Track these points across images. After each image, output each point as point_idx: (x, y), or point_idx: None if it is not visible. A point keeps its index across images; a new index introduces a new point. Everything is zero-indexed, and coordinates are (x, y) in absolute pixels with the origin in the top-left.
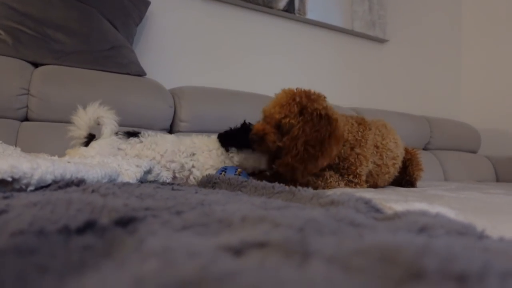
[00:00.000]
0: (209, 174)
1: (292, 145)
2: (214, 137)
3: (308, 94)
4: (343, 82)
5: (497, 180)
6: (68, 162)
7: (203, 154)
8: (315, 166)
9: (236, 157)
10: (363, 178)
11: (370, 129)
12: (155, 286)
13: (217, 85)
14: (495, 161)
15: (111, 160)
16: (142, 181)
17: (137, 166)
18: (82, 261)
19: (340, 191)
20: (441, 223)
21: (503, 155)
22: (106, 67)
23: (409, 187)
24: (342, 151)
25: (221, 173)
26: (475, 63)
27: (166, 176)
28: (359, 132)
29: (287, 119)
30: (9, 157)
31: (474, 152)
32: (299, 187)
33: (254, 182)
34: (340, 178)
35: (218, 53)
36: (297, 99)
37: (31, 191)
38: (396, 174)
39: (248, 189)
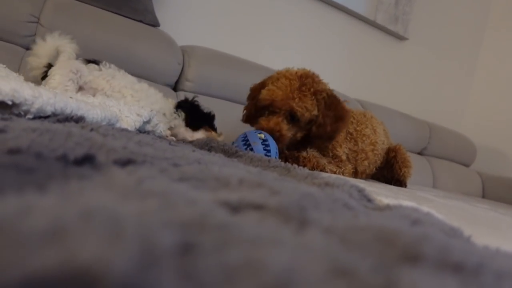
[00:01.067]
0: (208, 137)
1: (322, 132)
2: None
3: (312, 77)
4: (352, 71)
5: (483, 196)
6: (71, 97)
7: (147, 100)
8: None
9: (177, 121)
10: (344, 157)
11: None
12: (158, 222)
13: (229, 50)
14: (485, 178)
15: (112, 104)
16: (140, 130)
17: (138, 114)
18: (80, 187)
19: (334, 176)
20: (432, 221)
21: (494, 173)
22: (120, 10)
23: (398, 185)
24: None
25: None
26: (488, 77)
27: (163, 128)
28: None
29: (308, 113)
30: (12, 81)
31: (467, 165)
32: (294, 165)
33: (250, 153)
34: (321, 157)
35: (235, 20)
36: (309, 87)
37: (29, 119)
38: (379, 163)
39: (244, 159)
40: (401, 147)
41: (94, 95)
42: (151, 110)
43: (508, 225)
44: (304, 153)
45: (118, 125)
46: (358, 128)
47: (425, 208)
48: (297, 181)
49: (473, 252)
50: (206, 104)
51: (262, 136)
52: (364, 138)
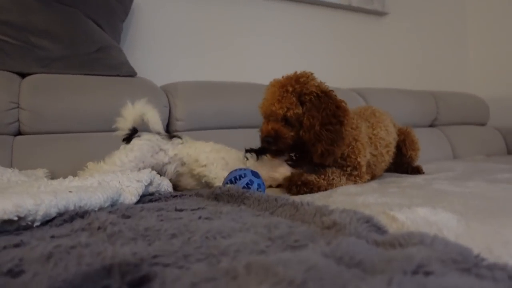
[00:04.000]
0: (213, 188)
1: (312, 135)
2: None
3: (297, 79)
4: (341, 61)
5: (508, 151)
6: (70, 191)
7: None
8: (342, 138)
9: (250, 163)
10: (364, 169)
11: (361, 119)
12: None
13: (211, 77)
14: (505, 132)
15: (110, 178)
16: (144, 193)
17: (138, 180)
18: None
19: (342, 207)
20: (437, 254)
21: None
22: (95, 71)
23: (415, 173)
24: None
25: (238, 177)
26: (482, 30)
27: (167, 185)
28: (353, 120)
29: (291, 111)
30: (12, 194)
31: (483, 124)
32: (305, 202)
33: (256, 194)
34: (341, 173)
35: (209, 42)
36: (290, 89)
37: (38, 226)
38: (391, 160)
39: (251, 201)
40: (410, 130)
41: (182, 164)
42: (150, 171)
43: None
44: (314, 177)
45: (121, 199)
46: (374, 132)
47: (438, 215)
48: (306, 224)
49: None
50: (203, 138)
51: (241, 174)
52: (381, 141)
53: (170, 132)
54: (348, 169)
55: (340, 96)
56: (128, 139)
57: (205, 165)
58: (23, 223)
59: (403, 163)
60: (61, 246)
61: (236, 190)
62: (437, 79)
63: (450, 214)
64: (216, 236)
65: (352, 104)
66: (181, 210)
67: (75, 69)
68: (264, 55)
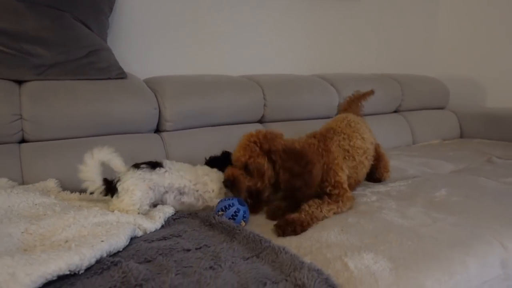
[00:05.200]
0: (208, 213)
1: (289, 187)
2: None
3: (265, 135)
4: (310, 47)
5: (461, 135)
6: (102, 241)
7: (212, 173)
8: (313, 183)
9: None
10: (345, 185)
11: (331, 138)
12: None
13: (195, 69)
14: (460, 116)
15: (126, 218)
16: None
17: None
18: None
19: (309, 262)
20: None
21: (472, 107)
22: (87, 75)
23: (377, 181)
24: None
25: (227, 206)
26: (453, 12)
27: (169, 212)
28: (320, 149)
29: (252, 159)
30: (61, 252)
31: (442, 108)
32: (282, 248)
33: (246, 232)
34: (319, 202)
35: (193, 33)
36: (256, 140)
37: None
38: (371, 161)
39: (242, 237)
40: (381, 150)
41: (181, 192)
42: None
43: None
44: (294, 215)
45: (137, 233)
46: (351, 143)
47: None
48: (284, 273)
49: None
50: (189, 137)
51: (230, 203)
52: (358, 151)
53: (160, 130)
54: (328, 189)
55: (305, 82)
56: (111, 190)
57: (212, 190)
58: (72, 273)
59: (373, 174)
60: None
61: (228, 224)
62: (405, 62)
63: (386, 263)
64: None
65: (318, 91)
66: (188, 250)
67: (69, 75)
68: (241, 46)
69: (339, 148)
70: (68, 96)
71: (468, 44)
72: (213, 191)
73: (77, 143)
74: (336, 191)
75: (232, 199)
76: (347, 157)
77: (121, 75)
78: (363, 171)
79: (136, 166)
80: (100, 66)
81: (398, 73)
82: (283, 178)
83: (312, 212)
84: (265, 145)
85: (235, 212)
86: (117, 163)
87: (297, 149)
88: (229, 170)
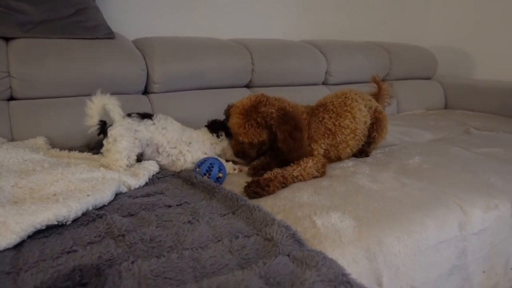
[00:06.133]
0: (190, 172)
1: (285, 145)
2: (206, 132)
3: (256, 109)
4: (301, 13)
5: (446, 105)
6: (88, 195)
7: (197, 144)
8: (304, 143)
9: (224, 142)
10: (316, 153)
11: (317, 115)
12: None
13: (185, 31)
14: (446, 86)
15: (111, 174)
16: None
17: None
18: None
19: (279, 218)
20: (321, 277)
21: (459, 78)
22: (75, 34)
23: (362, 156)
24: None
25: (205, 172)
26: None
27: (153, 170)
28: (306, 120)
29: (255, 140)
30: (49, 204)
31: (429, 78)
32: (256, 206)
33: (224, 191)
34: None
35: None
36: (252, 121)
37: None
38: (362, 142)
39: (220, 195)
40: (383, 117)
41: (157, 150)
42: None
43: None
44: (268, 175)
45: (121, 189)
46: (336, 122)
47: (343, 222)
48: (257, 228)
49: None
50: (177, 100)
51: (220, 174)
52: (343, 130)
53: (148, 92)
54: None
55: (294, 48)
56: (102, 132)
57: (184, 160)
58: (60, 223)
59: (365, 142)
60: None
61: (209, 183)
62: (396, 31)
63: (351, 221)
64: (198, 248)
65: (307, 57)
66: (169, 206)
67: (56, 33)
68: (227, 7)
69: (320, 125)
70: (56, 54)
71: (461, 15)
72: (184, 161)
73: (65, 102)
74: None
75: (212, 158)
76: (326, 135)
77: (109, 35)
78: (347, 150)
79: (129, 115)
80: (88, 25)
81: (388, 41)
82: (281, 139)
83: (282, 176)
84: (260, 119)
85: (210, 165)
86: (115, 115)
87: (289, 111)
88: (236, 144)
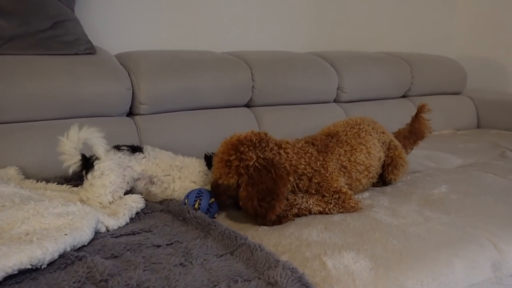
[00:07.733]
0: (181, 205)
1: (248, 207)
2: (198, 159)
3: (237, 148)
4: (307, 20)
5: (478, 124)
6: (65, 234)
7: (187, 170)
8: (274, 212)
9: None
10: (344, 189)
11: (332, 152)
12: None
13: (170, 43)
14: (477, 103)
15: (89, 210)
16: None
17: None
18: None
19: (284, 260)
20: None
21: (492, 93)
22: (51, 50)
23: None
24: (300, 184)
25: (196, 198)
26: None
27: (137, 207)
28: (318, 162)
29: (221, 180)
30: (22, 245)
31: (458, 93)
32: (258, 245)
33: (221, 227)
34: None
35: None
36: (227, 157)
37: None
38: (375, 180)
39: (217, 233)
40: (398, 153)
41: (151, 181)
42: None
43: None
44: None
45: (100, 227)
46: (352, 158)
47: (357, 264)
48: (258, 271)
49: None
50: (167, 122)
51: (212, 200)
52: (358, 167)
53: (134, 114)
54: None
55: (300, 61)
56: (86, 167)
57: (173, 189)
58: (34, 267)
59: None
60: None
61: (203, 219)
62: (417, 40)
63: (367, 262)
64: None
65: (315, 71)
66: (158, 246)
67: (30, 49)
68: (221, 16)
69: (337, 164)
70: (30, 73)
71: (490, 22)
72: (173, 190)
73: (39, 126)
74: (336, 196)
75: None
76: (342, 173)
77: (90, 50)
78: (359, 188)
79: (117, 147)
80: (66, 40)
81: (408, 52)
82: (244, 197)
83: (295, 199)
84: (234, 160)
85: (198, 192)
86: (100, 151)
87: (270, 160)
88: (213, 180)
